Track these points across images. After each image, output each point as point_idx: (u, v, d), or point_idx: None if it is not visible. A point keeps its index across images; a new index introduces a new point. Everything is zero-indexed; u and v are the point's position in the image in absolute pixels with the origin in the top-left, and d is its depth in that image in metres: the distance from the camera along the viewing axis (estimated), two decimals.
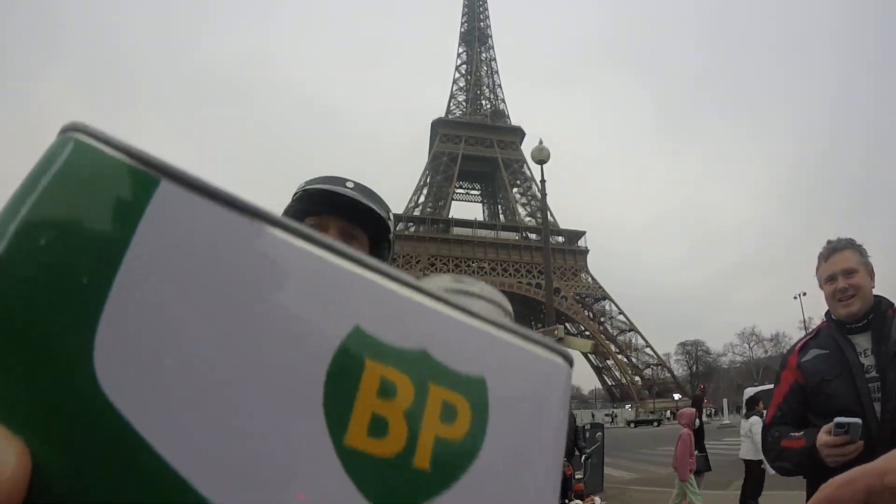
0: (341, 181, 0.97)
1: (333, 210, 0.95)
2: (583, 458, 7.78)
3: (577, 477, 7.00)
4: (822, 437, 1.54)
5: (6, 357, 0.15)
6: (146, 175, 0.16)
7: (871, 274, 1.82)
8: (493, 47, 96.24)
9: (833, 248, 1.86)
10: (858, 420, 1.49)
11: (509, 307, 0.22)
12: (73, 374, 0.15)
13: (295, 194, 0.97)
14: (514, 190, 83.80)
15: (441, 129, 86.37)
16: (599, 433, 9.31)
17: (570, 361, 0.20)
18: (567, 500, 6.05)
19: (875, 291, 1.78)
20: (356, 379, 0.17)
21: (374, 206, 0.96)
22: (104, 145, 0.16)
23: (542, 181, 12.37)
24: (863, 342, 1.73)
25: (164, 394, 0.15)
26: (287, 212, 0.95)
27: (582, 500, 6.43)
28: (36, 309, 0.15)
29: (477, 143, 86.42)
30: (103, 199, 0.16)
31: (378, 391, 0.17)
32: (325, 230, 0.94)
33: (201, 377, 0.15)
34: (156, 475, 0.15)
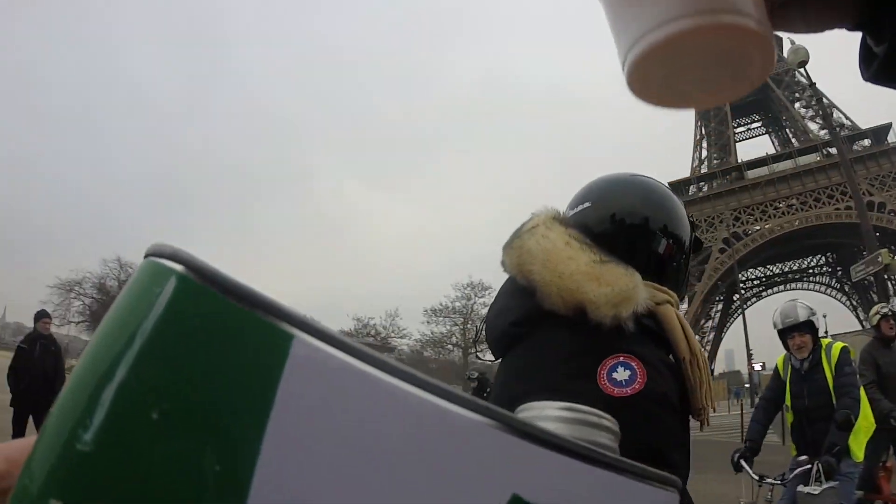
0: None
1: None
2: None
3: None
4: None
5: None
6: (279, 329, 0.14)
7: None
8: None
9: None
10: None
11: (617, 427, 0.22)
12: None
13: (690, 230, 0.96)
14: (797, 105, 75.02)
15: None
16: None
17: (678, 489, 0.19)
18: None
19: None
20: None
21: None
22: (215, 288, 0.14)
23: (811, 84, 11.39)
24: None
25: None
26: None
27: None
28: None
29: None
30: (231, 356, 0.13)
31: None
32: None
33: None
34: None
